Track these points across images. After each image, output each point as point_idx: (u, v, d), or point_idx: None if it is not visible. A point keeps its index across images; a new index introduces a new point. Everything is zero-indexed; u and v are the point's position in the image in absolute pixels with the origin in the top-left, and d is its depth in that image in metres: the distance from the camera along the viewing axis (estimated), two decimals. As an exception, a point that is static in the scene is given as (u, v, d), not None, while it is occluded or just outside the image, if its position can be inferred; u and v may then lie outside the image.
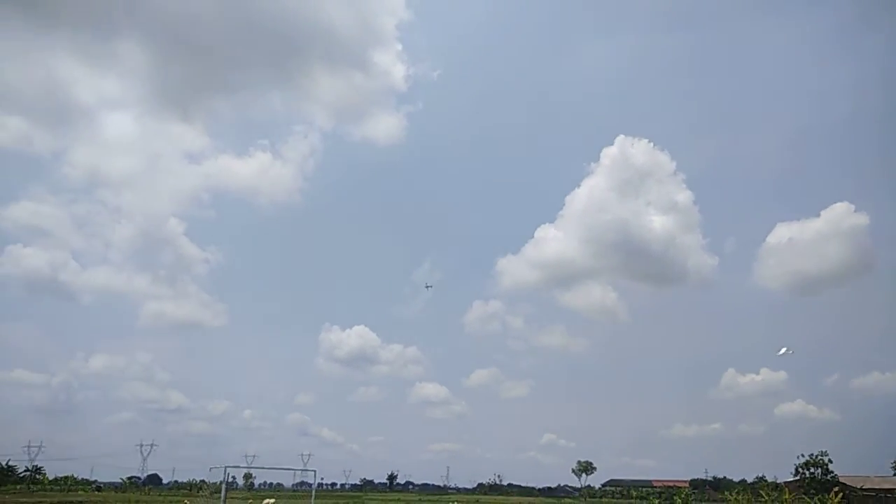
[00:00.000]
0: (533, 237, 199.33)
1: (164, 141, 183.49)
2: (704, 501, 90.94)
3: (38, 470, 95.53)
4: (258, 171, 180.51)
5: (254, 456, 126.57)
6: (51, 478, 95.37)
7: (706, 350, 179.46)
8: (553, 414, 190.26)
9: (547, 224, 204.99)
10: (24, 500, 52.19)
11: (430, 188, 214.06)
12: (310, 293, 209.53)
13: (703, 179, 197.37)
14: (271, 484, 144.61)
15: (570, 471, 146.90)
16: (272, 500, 52.07)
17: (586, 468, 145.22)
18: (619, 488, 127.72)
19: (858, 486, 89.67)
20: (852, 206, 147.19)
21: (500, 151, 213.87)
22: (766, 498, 78.89)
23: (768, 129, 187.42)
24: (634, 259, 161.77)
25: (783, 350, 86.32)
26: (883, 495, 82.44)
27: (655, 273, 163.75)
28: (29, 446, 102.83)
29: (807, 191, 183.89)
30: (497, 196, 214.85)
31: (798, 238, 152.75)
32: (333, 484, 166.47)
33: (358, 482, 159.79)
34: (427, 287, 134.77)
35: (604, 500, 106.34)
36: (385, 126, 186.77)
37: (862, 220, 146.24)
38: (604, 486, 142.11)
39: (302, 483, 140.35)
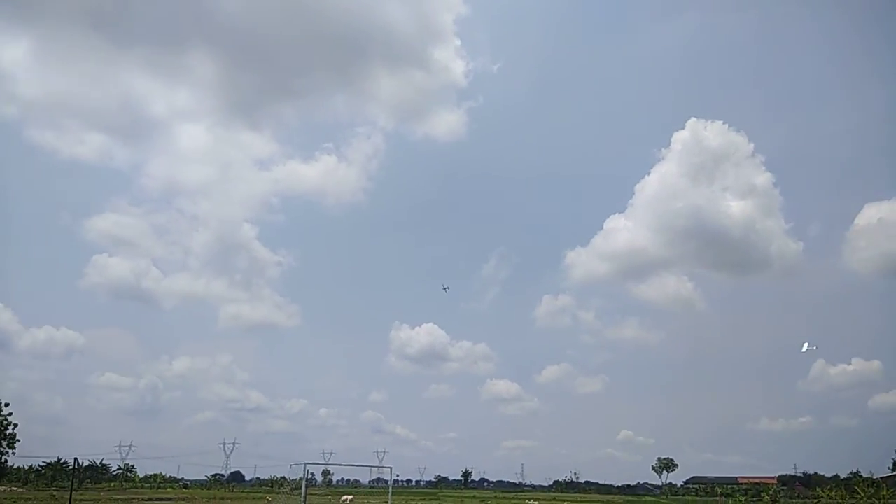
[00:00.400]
0: (602, 228, 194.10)
1: (234, 149, 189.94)
2: (795, 498, 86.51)
3: (129, 468, 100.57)
4: (324, 174, 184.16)
5: (331, 453, 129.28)
6: (141, 476, 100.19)
7: (792, 340, 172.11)
8: (629, 410, 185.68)
9: (616, 214, 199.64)
10: (119, 496, 54.75)
11: (494, 183, 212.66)
12: (378, 292, 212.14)
13: (783, 160, 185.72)
14: (349, 480, 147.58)
15: (650, 468, 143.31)
16: (350, 497, 52.80)
17: (667, 465, 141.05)
18: (702, 485, 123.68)
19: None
20: None
21: (564, 142, 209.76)
22: (862, 494, 74.26)
23: (851, 105, 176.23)
24: (711, 247, 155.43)
25: (806, 347, 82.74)
26: None
27: (734, 261, 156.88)
28: (120, 446, 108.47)
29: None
30: (563, 188, 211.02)
31: (889, 218, 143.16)
32: (409, 480, 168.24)
33: (432, 479, 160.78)
34: (445, 288, 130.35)
35: (686, 497, 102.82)
36: (446, 123, 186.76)
37: None
38: (686, 483, 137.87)
39: (378, 480, 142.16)
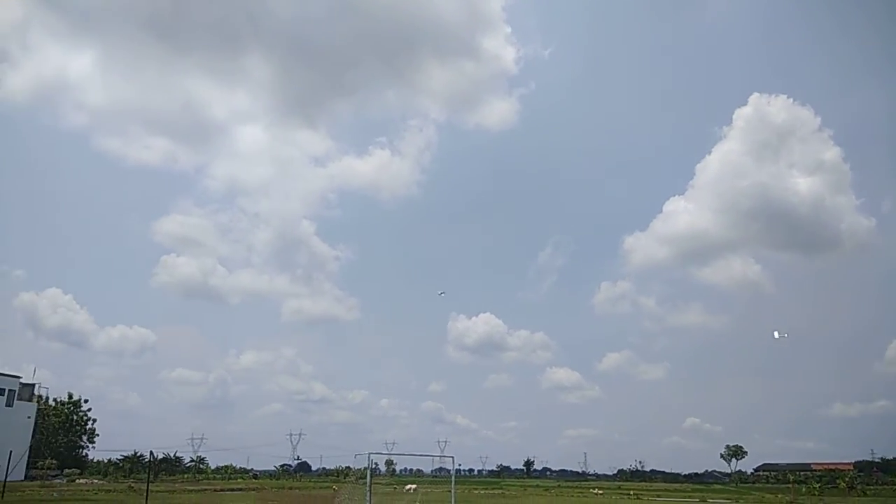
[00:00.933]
0: (661, 212, 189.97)
1: (291, 147, 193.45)
2: (874, 485, 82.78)
3: (201, 460, 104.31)
4: (378, 168, 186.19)
5: (393, 443, 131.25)
6: (213, 467, 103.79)
7: (867, 320, 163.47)
8: (695, 397, 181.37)
9: (676, 196, 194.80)
10: (192, 488, 56.70)
11: (548, 169, 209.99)
12: (434, 283, 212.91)
13: (852, 134, 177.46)
14: (411, 470, 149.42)
15: (719, 456, 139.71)
16: (414, 486, 53.30)
17: (736, 452, 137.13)
18: (773, 472, 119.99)
19: None
20: None
21: (620, 124, 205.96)
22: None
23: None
24: (777, 227, 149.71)
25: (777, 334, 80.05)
26: None
27: (803, 240, 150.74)
28: (192, 438, 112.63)
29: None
30: (620, 171, 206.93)
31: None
32: (471, 470, 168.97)
33: (494, 468, 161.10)
34: (440, 294, 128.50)
35: (757, 485, 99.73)
36: (498, 111, 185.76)
37: None
38: (756, 470, 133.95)
39: (440, 469, 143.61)
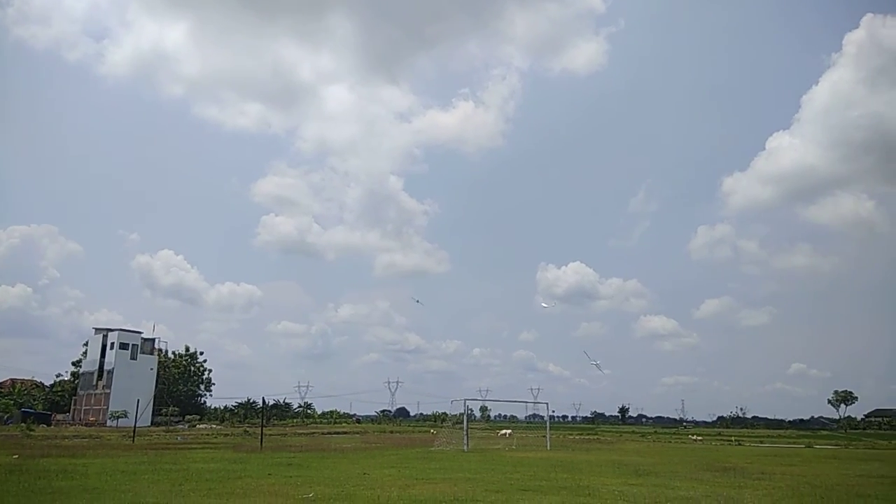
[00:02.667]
0: (764, 149, 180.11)
1: (376, 105, 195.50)
2: None
3: (308, 406, 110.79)
4: (462, 121, 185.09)
5: (487, 390, 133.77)
6: (319, 412, 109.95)
7: None
8: (801, 342, 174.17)
9: (780, 131, 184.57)
10: (301, 431, 60.28)
11: (640, 111, 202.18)
12: (523, 233, 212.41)
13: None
14: (505, 416, 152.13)
15: (826, 402, 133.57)
16: (509, 431, 54.34)
17: (845, 398, 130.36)
18: (886, 418, 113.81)
19: None
20: None
21: (716, 57, 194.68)
22: None
23: None
24: (893, 159, 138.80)
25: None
26: None
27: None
28: (299, 386, 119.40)
29: None
30: (718, 109, 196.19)
31: None
32: (564, 416, 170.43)
33: (588, 415, 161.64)
34: (416, 301, 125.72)
35: (868, 431, 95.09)
36: (585, 53, 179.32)
37: None
38: (867, 416, 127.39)
39: (534, 415, 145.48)
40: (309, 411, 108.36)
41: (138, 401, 49.58)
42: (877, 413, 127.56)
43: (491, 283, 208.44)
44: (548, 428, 43.20)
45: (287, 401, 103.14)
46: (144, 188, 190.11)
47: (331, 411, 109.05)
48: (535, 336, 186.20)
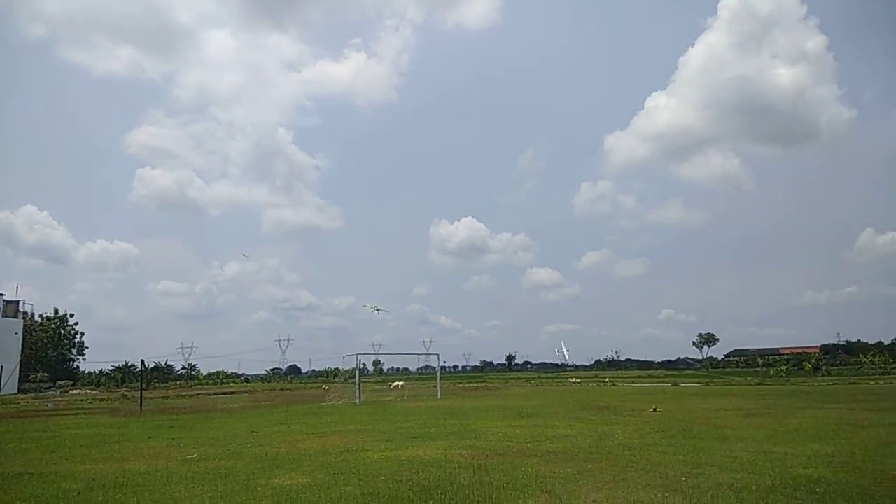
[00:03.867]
0: (643, 108, 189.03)
1: (262, 53, 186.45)
2: (837, 366, 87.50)
3: (193, 367, 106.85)
4: (355, 73, 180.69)
5: (380, 345, 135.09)
6: (204, 373, 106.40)
7: (840, 211, 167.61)
8: (671, 290, 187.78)
9: (658, 92, 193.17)
10: (185, 393, 58.23)
11: (531, 69, 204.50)
12: (416, 189, 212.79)
13: (838, 20, 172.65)
14: (398, 369, 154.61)
15: (691, 344, 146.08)
16: (401, 382, 55.25)
17: (708, 340, 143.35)
18: (743, 357, 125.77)
19: None
20: None
21: (601, 20, 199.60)
22: (909, 359, 74.68)
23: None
24: (759, 120, 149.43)
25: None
26: None
27: (783, 133, 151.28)
28: (182, 348, 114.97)
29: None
30: (601, 68, 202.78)
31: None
32: (455, 366, 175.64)
33: (478, 364, 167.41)
34: (244, 256, 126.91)
35: (727, 370, 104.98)
36: (478, 9, 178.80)
37: None
38: (727, 356, 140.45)
39: (426, 367, 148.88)
40: (193, 373, 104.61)
41: (1, 367, 45.86)
42: (735, 353, 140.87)
43: (384, 238, 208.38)
44: (438, 378, 44.29)
45: (169, 363, 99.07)
46: (1, 139, 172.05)
47: (217, 372, 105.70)
48: (428, 290, 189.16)
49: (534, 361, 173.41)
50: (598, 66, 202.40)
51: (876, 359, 76.84)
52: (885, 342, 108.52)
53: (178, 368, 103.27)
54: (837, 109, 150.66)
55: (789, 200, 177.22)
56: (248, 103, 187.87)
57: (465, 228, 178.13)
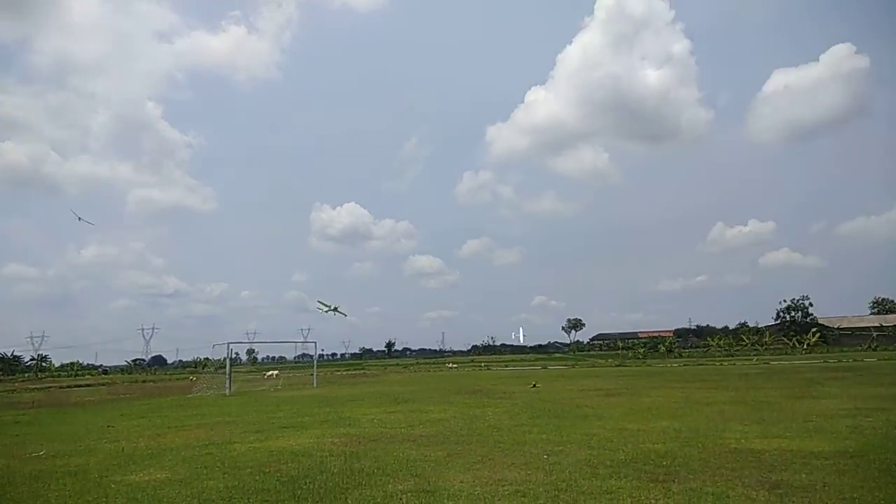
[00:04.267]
0: (523, 101, 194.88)
1: (131, 20, 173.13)
2: (688, 348, 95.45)
3: (43, 358, 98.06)
4: (233, 46, 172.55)
5: (254, 333, 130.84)
6: (57, 365, 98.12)
7: (696, 205, 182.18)
8: (544, 277, 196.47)
9: (538, 86, 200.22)
10: (34, 386, 53.55)
11: (417, 55, 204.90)
12: (297, 172, 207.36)
13: (702, 27, 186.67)
14: (274, 358, 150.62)
15: (560, 328, 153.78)
16: (275, 372, 53.83)
17: (575, 325, 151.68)
18: (606, 341, 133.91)
19: (835, 326, 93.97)
20: (854, 48, 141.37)
21: (486, 12, 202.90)
22: (747, 341, 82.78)
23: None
24: (627, 118, 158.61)
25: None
26: (858, 332, 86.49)
27: (648, 131, 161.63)
28: (32, 337, 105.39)
29: (808, 33, 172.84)
30: (486, 59, 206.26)
31: (796, 84, 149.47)
32: (334, 354, 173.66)
33: (357, 351, 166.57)
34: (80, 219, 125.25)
35: (591, 352, 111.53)
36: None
37: (863, 62, 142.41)
38: (592, 340, 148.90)
39: (303, 355, 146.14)
40: (44, 364, 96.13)
41: None
42: (599, 337, 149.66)
43: (262, 222, 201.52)
44: (315, 366, 43.63)
45: (16, 354, 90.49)
46: None
47: (71, 363, 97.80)
48: (308, 276, 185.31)
49: (413, 348, 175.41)
50: (483, 57, 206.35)
51: (721, 341, 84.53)
52: (731, 326, 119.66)
53: (26, 360, 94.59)
54: (696, 111, 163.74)
55: (651, 195, 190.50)
56: (114, 74, 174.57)
57: (347, 214, 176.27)
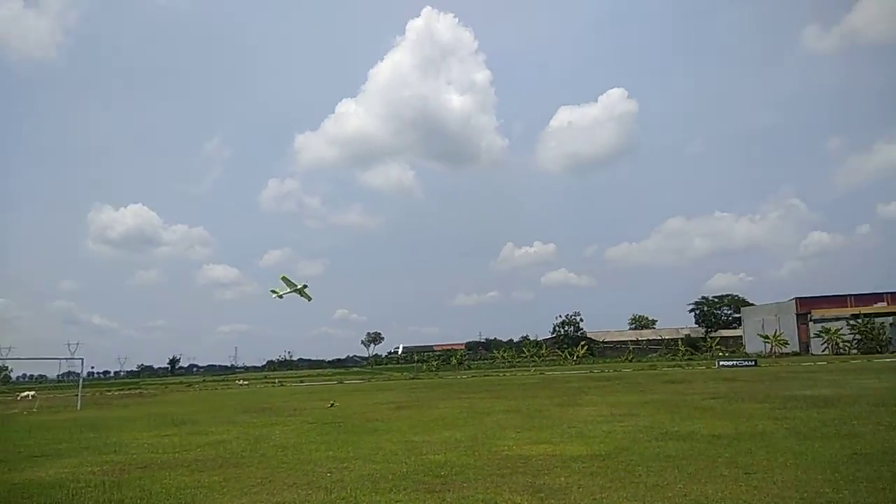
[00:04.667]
0: (334, 112, 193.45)
1: None
2: (477, 360, 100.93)
3: None
4: (6, 20, 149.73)
5: (9, 348, 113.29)
6: None
7: (490, 226, 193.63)
8: (347, 290, 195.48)
9: (349, 99, 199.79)
10: None
11: (223, 50, 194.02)
12: (75, 167, 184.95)
13: (502, 60, 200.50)
14: (32, 376, 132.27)
15: (360, 342, 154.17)
16: (31, 392, 47.10)
17: (375, 338, 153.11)
18: (403, 354, 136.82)
19: (601, 340, 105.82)
20: (626, 92, 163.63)
21: (300, 17, 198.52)
22: (527, 353, 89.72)
23: (563, 16, 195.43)
24: (432, 138, 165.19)
25: None
26: (619, 345, 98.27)
27: (451, 152, 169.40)
28: None
29: (590, 76, 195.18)
30: (297, 67, 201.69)
31: (577, 122, 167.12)
32: (107, 372, 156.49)
33: (135, 369, 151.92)
34: None
35: (389, 365, 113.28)
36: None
37: (631, 106, 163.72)
38: (390, 353, 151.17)
39: (69, 373, 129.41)
40: None
41: None
42: (397, 350, 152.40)
43: (28, 222, 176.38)
44: (80, 386, 38.90)
45: None
46: None
47: None
48: (80, 284, 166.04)
49: (201, 364, 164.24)
50: (296, 62, 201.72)
51: (506, 354, 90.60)
52: (515, 339, 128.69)
53: None
54: (494, 138, 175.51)
55: (452, 214, 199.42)
56: None
57: (132, 216, 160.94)
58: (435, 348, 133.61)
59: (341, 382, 53.65)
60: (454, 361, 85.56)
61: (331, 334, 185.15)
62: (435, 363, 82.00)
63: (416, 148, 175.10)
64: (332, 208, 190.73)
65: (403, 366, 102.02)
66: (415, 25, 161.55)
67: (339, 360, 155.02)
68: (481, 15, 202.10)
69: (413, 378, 55.03)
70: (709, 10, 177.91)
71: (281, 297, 61.27)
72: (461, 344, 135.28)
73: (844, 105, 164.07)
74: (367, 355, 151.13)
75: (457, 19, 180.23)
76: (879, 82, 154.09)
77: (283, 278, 58.41)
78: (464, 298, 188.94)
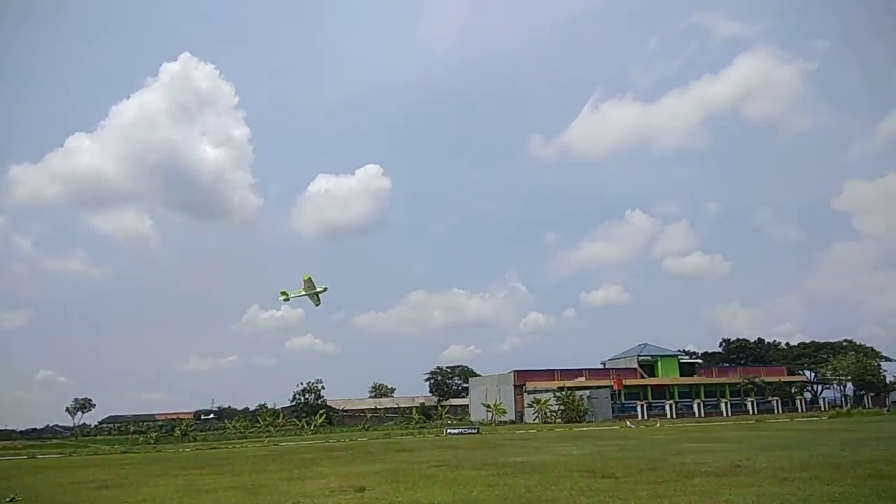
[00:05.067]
0: (63, 146, 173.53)
1: None
2: (206, 431, 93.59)
3: None
4: None
5: None
6: None
7: (236, 286, 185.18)
8: (55, 349, 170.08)
9: (83, 133, 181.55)
10: None
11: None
12: None
13: (262, 119, 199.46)
14: None
15: (65, 409, 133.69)
16: None
17: (83, 406, 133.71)
18: (118, 424, 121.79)
19: (340, 408, 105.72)
20: (381, 170, 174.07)
21: (32, 35, 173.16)
22: (262, 423, 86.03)
23: (325, 87, 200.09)
24: (178, 187, 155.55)
25: None
26: (357, 414, 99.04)
27: (199, 204, 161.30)
28: None
29: (349, 149, 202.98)
30: (21, 91, 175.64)
31: (334, 190, 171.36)
32: None
33: None
34: None
35: (99, 437, 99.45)
36: None
37: (386, 183, 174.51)
38: (101, 422, 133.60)
39: None
40: None
41: None
42: (110, 419, 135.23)
43: None
44: None
45: None
46: None
47: None
48: None
49: None
50: (19, 87, 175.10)
51: (238, 423, 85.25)
52: (252, 407, 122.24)
53: None
54: (248, 195, 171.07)
55: (195, 270, 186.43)
56: None
57: None
58: (157, 417, 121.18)
59: (33, 457, 45.56)
60: (178, 433, 78.02)
61: (28, 399, 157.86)
62: (154, 434, 73.94)
63: (158, 195, 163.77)
64: (46, 252, 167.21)
65: (116, 437, 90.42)
66: (170, 69, 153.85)
67: (34, 429, 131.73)
68: (245, 71, 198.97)
69: (125, 452, 48.85)
70: (460, 109, 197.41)
71: (288, 299, 49.28)
72: (188, 412, 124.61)
73: (559, 206, 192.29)
74: (71, 425, 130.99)
75: (217, 71, 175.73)
76: (587, 189, 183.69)
77: (307, 279, 47.29)
78: (198, 362, 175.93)
